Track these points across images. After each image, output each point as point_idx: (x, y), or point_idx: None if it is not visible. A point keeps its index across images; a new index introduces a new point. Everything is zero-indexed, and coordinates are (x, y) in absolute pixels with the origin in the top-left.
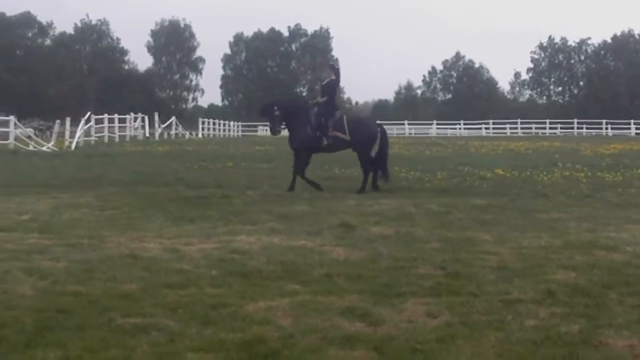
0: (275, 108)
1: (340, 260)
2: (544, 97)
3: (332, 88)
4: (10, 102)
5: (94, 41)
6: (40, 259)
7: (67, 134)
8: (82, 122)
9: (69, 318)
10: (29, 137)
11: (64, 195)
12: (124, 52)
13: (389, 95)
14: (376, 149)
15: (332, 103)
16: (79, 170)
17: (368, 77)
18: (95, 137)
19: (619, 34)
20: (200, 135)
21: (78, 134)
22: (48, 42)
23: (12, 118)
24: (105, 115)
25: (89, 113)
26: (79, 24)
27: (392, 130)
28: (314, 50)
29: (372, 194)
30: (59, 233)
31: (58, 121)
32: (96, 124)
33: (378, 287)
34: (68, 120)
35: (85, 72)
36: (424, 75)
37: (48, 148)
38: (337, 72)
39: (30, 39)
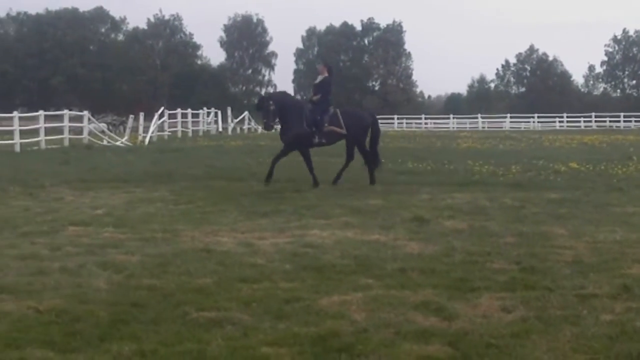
0: (271, 102)
1: (414, 254)
2: (618, 91)
3: (327, 85)
4: (84, 97)
5: (167, 36)
6: (115, 253)
7: (141, 128)
8: (156, 117)
9: (143, 312)
10: (103, 132)
11: (138, 190)
12: (196, 47)
13: (462, 89)
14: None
15: (327, 100)
16: (152, 164)
17: (441, 70)
18: (169, 132)
19: None
20: (273, 130)
21: (151, 128)
22: (121, 37)
23: (86, 113)
24: (179, 110)
25: (162, 108)
26: (152, 19)
27: (466, 124)
28: (386, 44)
29: (446, 187)
30: (133, 227)
31: (132, 116)
32: (169, 118)
33: (452, 282)
34: (141, 115)
35: (159, 67)
36: (497, 69)
37: (122, 143)
38: (330, 70)
39: (104, 35)
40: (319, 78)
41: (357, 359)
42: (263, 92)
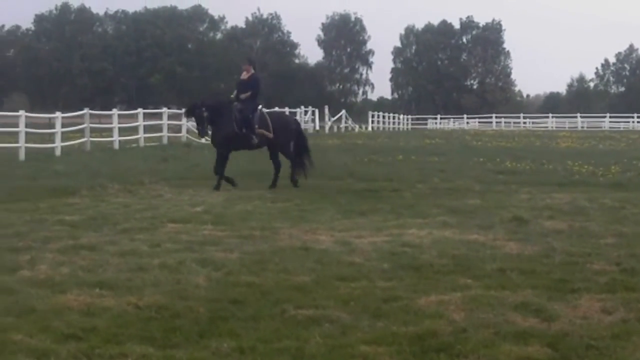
0: (203, 109)
1: (513, 254)
2: None
3: (257, 83)
4: (182, 95)
5: (265, 35)
6: (214, 250)
7: None
8: None
9: (242, 309)
10: None
11: (236, 188)
12: (294, 45)
13: (561, 88)
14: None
15: (256, 99)
16: (250, 162)
17: (539, 69)
18: None
19: None
20: (369, 129)
21: None
22: (219, 36)
23: (184, 111)
24: (276, 109)
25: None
26: (250, 18)
27: (565, 123)
28: (485, 43)
29: (545, 187)
30: (231, 225)
31: None
32: None
33: (552, 283)
34: None
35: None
36: (596, 68)
37: None
38: (255, 66)
39: (202, 33)
40: (245, 74)
41: (456, 359)
42: (360, 90)
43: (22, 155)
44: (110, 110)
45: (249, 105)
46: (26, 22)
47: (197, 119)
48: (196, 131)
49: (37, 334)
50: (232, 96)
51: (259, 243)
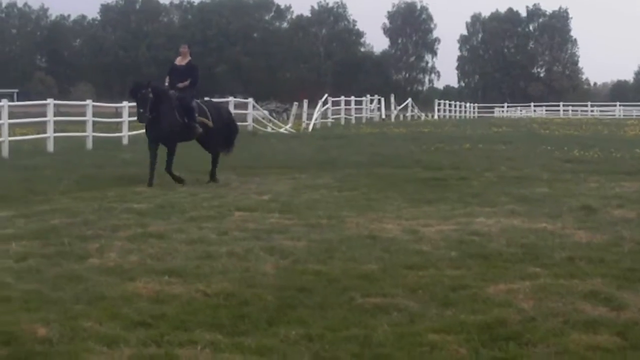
0: (149, 89)
1: (582, 243)
2: None
3: (196, 70)
4: (248, 84)
5: (331, 24)
6: (281, 238)
7: (304, 115)
8: (319, 104)
9: (310, 297)
10: (268, 119)
11: (303, 176)
12: (359, 34)
13: (628, 76)
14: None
15: (195, 87)
16: (316, 151)
17: (606, 57)
18: (332, 119)
19: None
20: (436, 117)
21: (315, 115)
22: (285, 25)
23: (250, 100)
24: (342, 98)
25: (326, 95)
26: (316, 7)
27: (632, 111)
28: (552, 31)
29: (613, 176)
30: (298, 213)
31: (296, 103)
32: (333, 106)
33: (621, 272)
34: (305, 103)
35: (322, 54)
36: None
37: (285, 130)
38: (191, 52)
39: (268, 22)
40: (179, 59)
41: (525, 347)
42: (426, 79)
43: (89, 144)
44: None
45: (188, 93)
46: (92, 12)
47: (141, 101)
48: (140, 116)
49: (106, 321)
50: (165, 84)
51: (326, 231)
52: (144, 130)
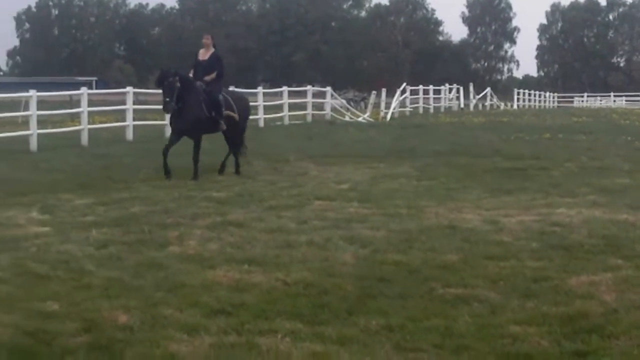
0: (177, 78)
1: None
2: None
3: (221, 62)
4: (326, 73)
5: (409, 12)
6: (361, 227)
7: (382, 104)
8: (398, 93)
9: (390, 287)
10: (346, 108)
11: (381, 166)
12: (438, 23)
13: None
14: None
15: (221, 80)
16: (394, 140)
17: None
18: (410, 108)
19: None
20: (515, 107)
21: (393, 104)
22: (363, 13)
23: (328, 89)
24: (420, 87)
25: (404, 84)
26: None
27: None
28: (632, 20)
29: None
30: (377, 202)
31: (374, 92)
32: (411, 95)
33: None
34: (384, 92)
35: (400, 43)
36: None
37: (363, 119)
38: (214, 43)
39: (346, 11)
40: (203, 52)
41: (607, 340)
42: (505, 68)
43: (168, 133)
44: (254, 88)
45: (216, 86)
46: (171, 1)
47: (167, 89)
48: (165, 105)
49: (187, 308)
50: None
51: (406, 221)
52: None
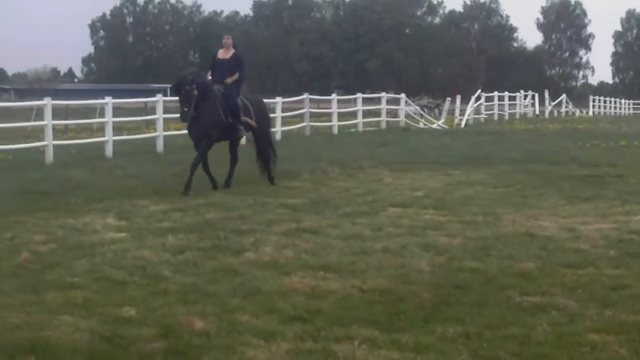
0: (194, 86)
1: None
2: None
3: (244, 63)
4: (400, 80)
5: (483, 19)
6: (436, 235)
7: (457, 111)
8: (472, 99)
9: (466, 294)
10: (420, 114)
11: (456, 172)
12: (512, 29)
13: None
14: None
15: (242, 82)
16: (469, 147)
17: None
18: (485, 114)
19: None
20: (590, 113)
21: (468, 111)
22: (437, 20)
23: (402, 96)
24: (495, 93)
25: (479, 91)
26: (468, 2)
27: None
28: None
29: None
30: (452, 210)
31: (448, 99)
32: (485, 101)
33: None
34: (458, 98)
35: (474, 50)
36: None
37: (438, 125)
38: (235, 44)
39: (420, 18)
40: (223, 52)
41: None
42: (580, 74)
43: (243, 140)
44: (328, 95)
45: (235, 90)
46: (245, 9)
47: (185, 98)
48: (183, 115)
49: (263, 315)
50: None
51: (482, 228)
52: (296, 126)
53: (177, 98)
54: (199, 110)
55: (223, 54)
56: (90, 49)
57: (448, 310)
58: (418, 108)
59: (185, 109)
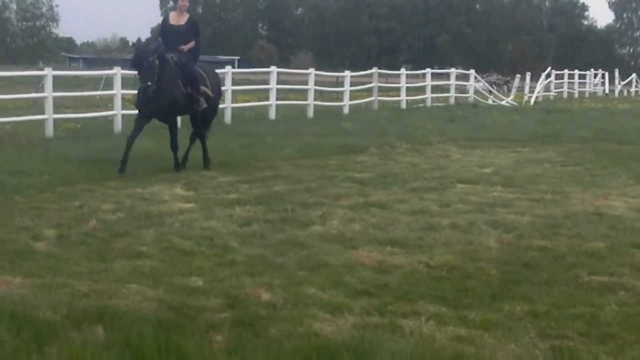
0: (155, 56)
1: None
2: None
3: (198, 29)
4: (469, 56)
5: None
6: (504, 212)
7: (527, 88)
8: (542, 77)
9: (534, 273)
10: (488, 90)
11: (525, 150)
12: (584, 7)
13: None
14: None
15: (199, 50)
16: (538, 125)
17: None
18: (555, 92)
19: None
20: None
21: (538, 88)
22: None
23: (472, 72)
24: (565, 71)
25: (549, 68)
26: None
27: None
28: None
29: None
30: (521, 187)
31: (518, 76)
32: (555, 79)
33: None
34: (528, 75)
35: (545, 27)
36: None
37: (507, 102)
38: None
39: None
40: (175, 16)
41: None
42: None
43: (310, 113)
44: (396, 69)
45: (192, 59)
46: None
47: (147, 71)
48: (145, 90)
49: (329, 288)
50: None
51: (550, 207)
52: (363, 100)
53: (136, 72)
54: (160, 84)
55: (176, 19)
56: (159, 19)
57: (516, 288)
58: (487, 84)
59: (149, 84)
